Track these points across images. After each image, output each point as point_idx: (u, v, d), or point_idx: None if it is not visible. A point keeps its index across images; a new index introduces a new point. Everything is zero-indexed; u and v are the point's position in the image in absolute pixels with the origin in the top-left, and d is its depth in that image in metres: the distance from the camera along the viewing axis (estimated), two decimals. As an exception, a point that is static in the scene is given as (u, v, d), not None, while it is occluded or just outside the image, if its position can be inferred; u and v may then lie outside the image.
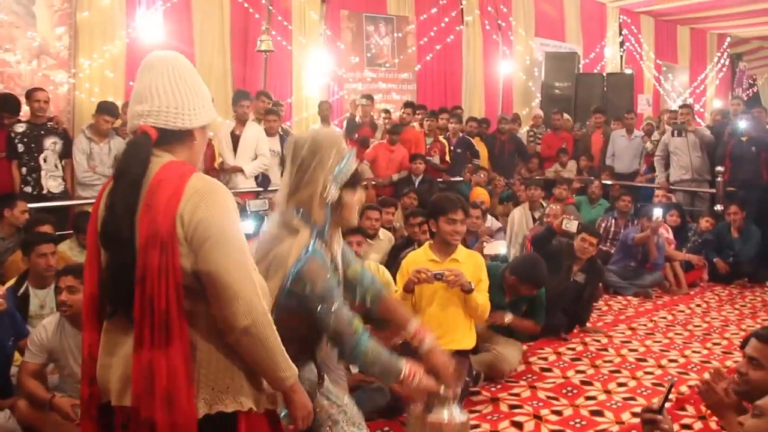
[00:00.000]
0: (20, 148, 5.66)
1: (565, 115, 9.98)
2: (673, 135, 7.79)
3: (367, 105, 8.31)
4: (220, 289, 1.64)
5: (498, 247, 4.46)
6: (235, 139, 6.60)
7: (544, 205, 7.04)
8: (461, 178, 8.21)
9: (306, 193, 2.19)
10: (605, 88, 11.00)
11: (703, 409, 3.54)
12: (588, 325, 5.17)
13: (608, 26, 12.93)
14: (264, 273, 1.96)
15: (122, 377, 1.69)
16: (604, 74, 11.70)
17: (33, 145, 5.71)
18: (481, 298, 3.55)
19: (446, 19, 10.61)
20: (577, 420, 3.54)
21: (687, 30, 14.40)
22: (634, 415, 3.51)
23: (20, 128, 5.68)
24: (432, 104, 9.75)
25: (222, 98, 7.69)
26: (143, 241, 1.63)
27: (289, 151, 2.26)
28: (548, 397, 3.84)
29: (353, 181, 2.23)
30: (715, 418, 3.41)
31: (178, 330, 1.63)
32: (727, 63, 15.36)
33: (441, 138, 8.48)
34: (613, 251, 6.87)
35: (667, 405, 2.09)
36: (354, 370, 3.47)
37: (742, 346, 2.46)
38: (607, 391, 3.93)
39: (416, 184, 7.45)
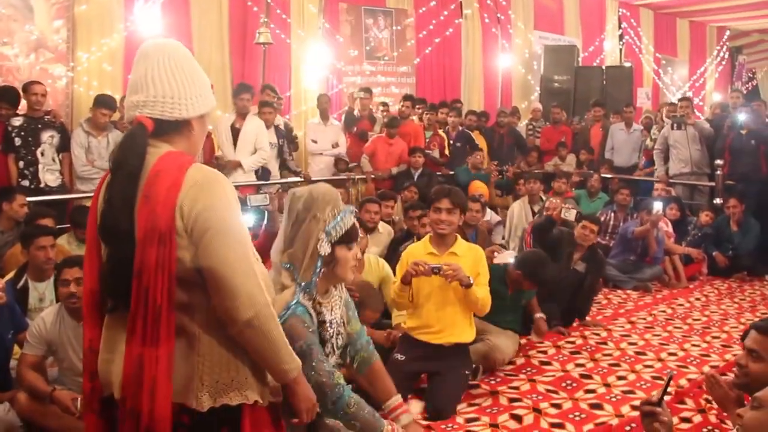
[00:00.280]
0: (17, 141, 5.63)
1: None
2: (672, 128, 7.79)
3: (366, 98, 8.29)
4: (222, 281, 1.63)
5: (507, 257, 4.49)
6: (235, 132, 6.59)
7: (544, 198, 7.04)
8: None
9: (299, 248, 2.24)
10: (604, 82, 10.99)
11: (702, 402, 3.55)
12: (588, 318, 5.17)
13: (607, 19, 12.89)
14: None
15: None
16: (604, 67, 11.67)
17: (30, 139, 5.69)
18: (481, 292, 3.53)
19: (445, 13, 10.58)
20: (577, 413, 3.54)
21: (686, 23, 14.36)
22: (634, 408, 3.51)
23: (17, 122, 5.66)
24: (431, 97, 9.74)
25: (220, 92, 7.66)
26: (142, 233, 1.61)
27: (286, 205, 2.31)
28: (547, 390, 3.84)
29: (347, 239, 2.26)
30: (714, 411, 3.42)
31: (167, 323, 1.61)
32: (726, 56, 15.32)
33: (440, 131, 8.48)
34: (612, 245, 6.87)
35: (667, 398, 2.09)
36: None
37: (743, 338, 2.46)
38: (607, 385, 3.93)
39: (415, 177, 7.45)
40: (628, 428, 3.30)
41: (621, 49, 13.14)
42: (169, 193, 1.62)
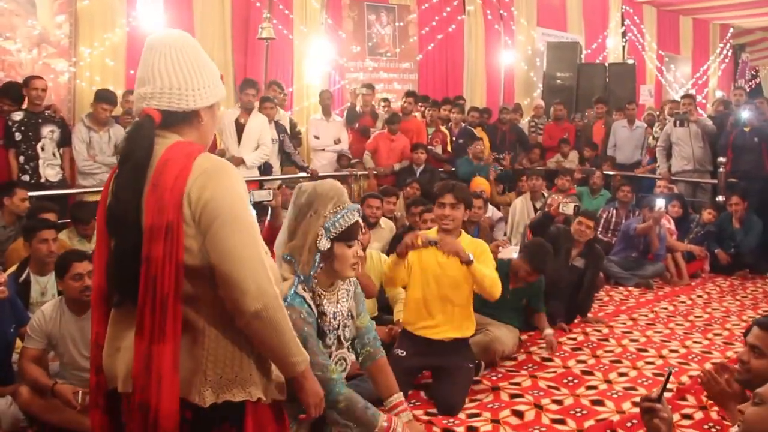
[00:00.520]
0: (18, 136, 5.63)
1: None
2: (675, 125, 7.76)
3: (368, 94, 8.28)
4: (230, 271, 1.60)
5: (511, 252, 4.49)
6: (240, 128, 6.59)
7: (546, 195, 7.03)
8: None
9: (299, 241, 2.26)
10: (607, 79, 10.96)
11: (704, 399, 3.54)
12: (589, 315, 5.17)
13: (610, 16, 12.86)
14: None
15: (129, 364, 1.67)
16: (606, 64, 11.65)
17: (31, 134, 5.68)
18: (488, 269, 3.47)
19: (448, 9, 10.57)
20: (578, 409, 3.54)
21: (690, 20, 14.32)
22: (635, 404, 3.50)
23: (18, 116, 5.65)
24: (433, 94, 9.74)
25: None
26: (149, 222, 1.59)
27: (292, 199, 2.32)
28: (549, 387, 3.84)
29: (347, 236, 2.27)
30: (716, 408, 3.42)
31: (173, 314, 1.60)
32: (729, 54, 15.28)
33: (443, 128, 8.47)
34: (614, 242, 6.87)
35: (668, 395, 2.09)
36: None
37: (745, 334, 2.45)
38: (608, 381, 3.94)
39: (418, 173, 7.44)
40: (629, 424, 3.29)
41: (624, 46, 13.11)
42: (177, 181, 1.60)
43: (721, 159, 7.37)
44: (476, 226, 5.81)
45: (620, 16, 12.98)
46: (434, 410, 3.49)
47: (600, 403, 3.62)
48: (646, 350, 4.49)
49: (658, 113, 9.58)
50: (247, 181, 6.92)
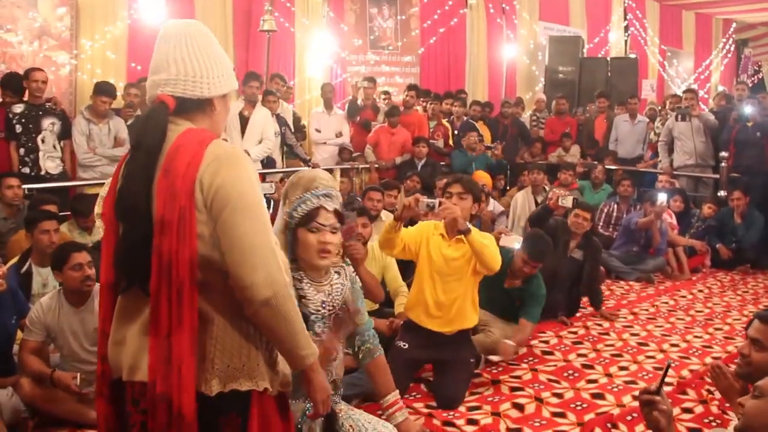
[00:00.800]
0: (18, 128, 5.61)
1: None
2: (677, 120, 7.75)
3: (369, 88, 8.27)
4: (240, 258, 1.59)
5: (513, 241, 4.47)
6: (243, 120, 6.58)
7: (547, 189, 7.03)
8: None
9: (276, 227, 2.28)
10: (609, 73, 10.95)
11: (704, 393, 3.55)
12: (603, 308, 5.16)
13: (613, 10, 12.84)
14: None
15: (135, 353, 1.66)
16: (608, 59, 11.64)
17: (31, 126, 5.66)
18: (487, 240, 3.44)
19: (450, 2, 10.54)
20: (578, 403, 3.54)
21: (692, 15, 14.29)
22: (635, 398, 3.50)
23: (18, 108, 5.64)
24: (435, 88, 9.73)
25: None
26: (161, 208, 1.58)
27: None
28: (549, 380, 3.85)
29: (306, 221, 2.28)
30: (716, 402, 3.42)
31: (190, 301, 1.58)
32: (732, 49, 15.24)
33: (444, 121, 8.46)
34: (615, 236, 6.86)
35: (668, 389, 2.09)
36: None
37: (746, 328, 2.45)
38: (609, 375, 3.94)
39: (419, 167, 7.44)
40: (629, 418, 3.30)
41: (626, 41, 13.10)
42: (189, 168, 1.59)
43: (723, 154, 7.36)
44: (478, 220, 5.81)
45: (623, 10, 12.96)
46: (434, 403, 3.49)
47: (600, 396, 3.62)
48: (646, 344, 4.49)
49: (660, 108, 9.57)
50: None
